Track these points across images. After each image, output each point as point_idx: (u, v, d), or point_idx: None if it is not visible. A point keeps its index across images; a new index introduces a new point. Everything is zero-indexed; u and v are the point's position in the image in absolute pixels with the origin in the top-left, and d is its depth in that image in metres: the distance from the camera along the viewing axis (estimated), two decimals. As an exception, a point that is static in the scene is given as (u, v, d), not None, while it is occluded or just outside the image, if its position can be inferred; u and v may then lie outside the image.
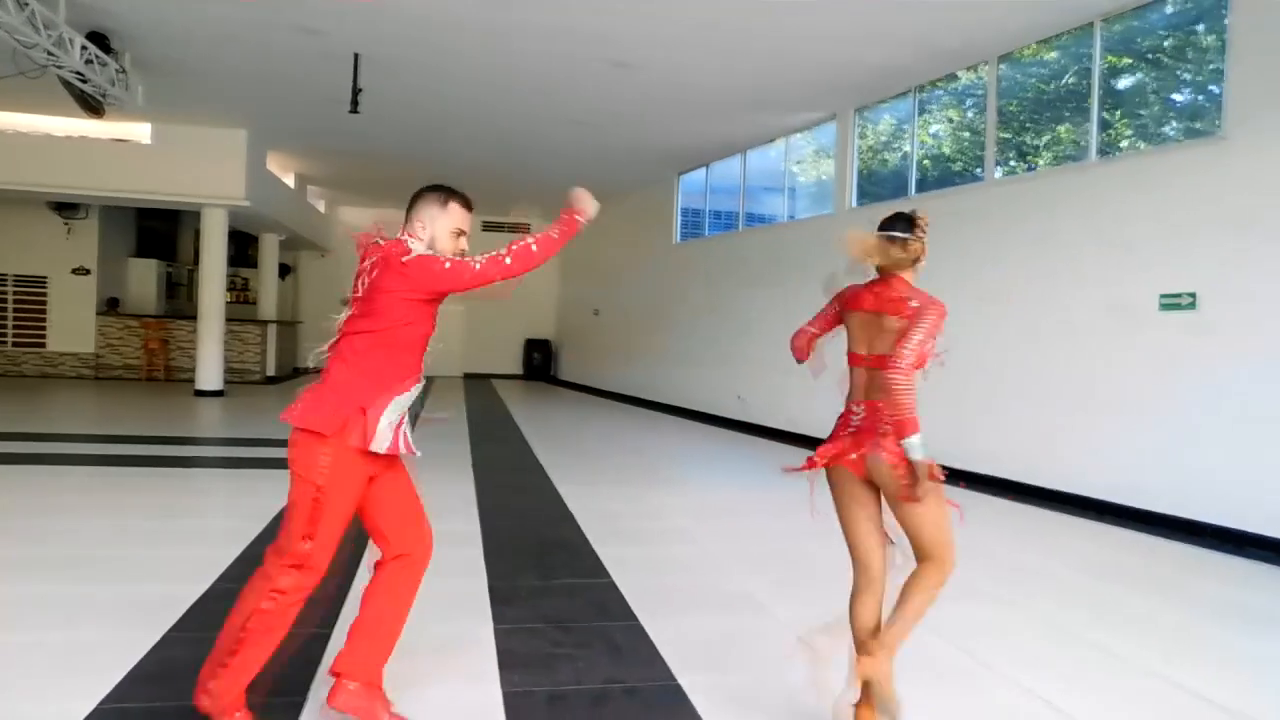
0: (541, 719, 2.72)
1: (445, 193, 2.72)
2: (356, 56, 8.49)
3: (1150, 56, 6.91)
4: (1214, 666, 3.44)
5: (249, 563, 4.26)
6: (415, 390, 2.67)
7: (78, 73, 7.70)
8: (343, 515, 2.58)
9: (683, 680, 3.03)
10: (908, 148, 9.17)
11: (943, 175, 9.03)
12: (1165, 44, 6.80)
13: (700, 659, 3.25)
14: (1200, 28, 6.53)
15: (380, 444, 2.55)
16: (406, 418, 2.69)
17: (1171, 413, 6.10)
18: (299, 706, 2.71)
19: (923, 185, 8.97)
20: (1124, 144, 7.05)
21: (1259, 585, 4.75)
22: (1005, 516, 6.37)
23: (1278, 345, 5.49)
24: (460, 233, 2.70)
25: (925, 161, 9.20)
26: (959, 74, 8.46)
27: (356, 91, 8.72)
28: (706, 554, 4.91)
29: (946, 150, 9.19)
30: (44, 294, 14.87)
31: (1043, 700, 3.00)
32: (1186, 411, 5.99)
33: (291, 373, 17.81)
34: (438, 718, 2.71)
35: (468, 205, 2.75)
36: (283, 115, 11.43)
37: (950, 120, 9.08)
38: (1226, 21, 5.97)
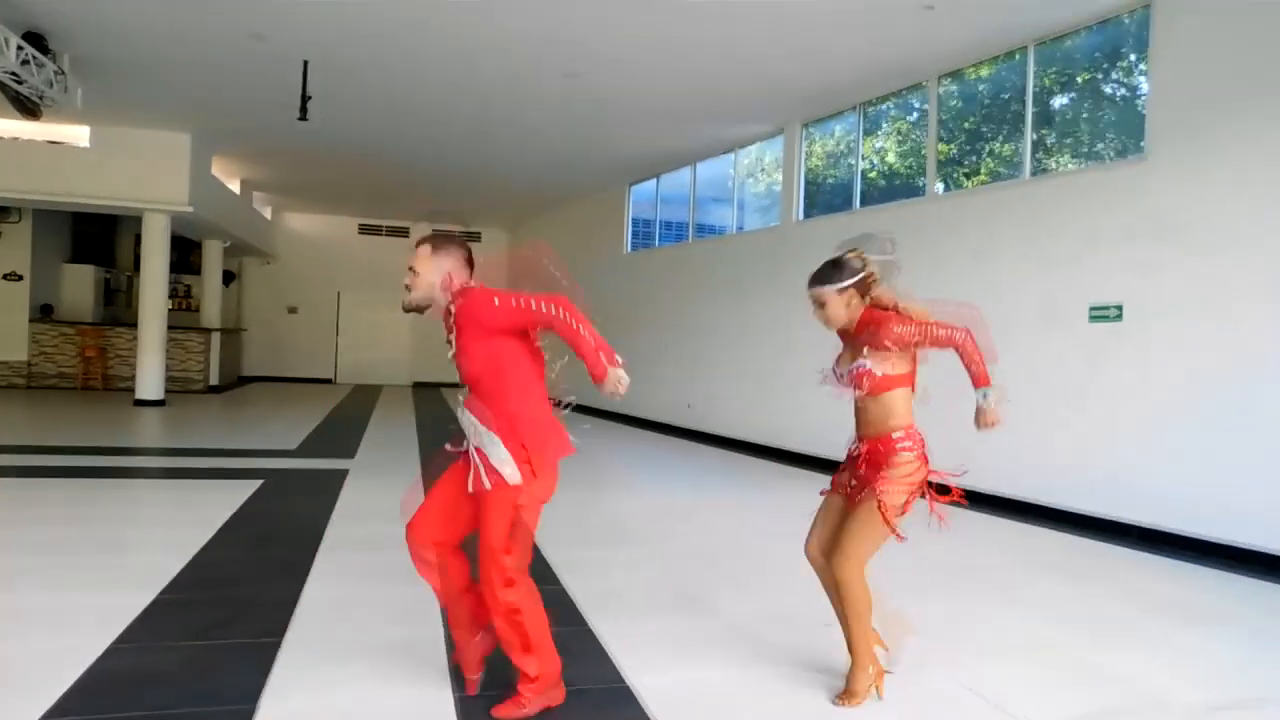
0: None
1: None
2: (305, 64, 8.42)
3: (1080, 79, 7.24)
4: (1135, 651, 3.62)
5: (198, 570, 4.23)
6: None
7: (12, 73, 7.50)
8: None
9: (632, 681, 3.10)
10: (853, 162, 9.41)
11: (887, 190, 9.29)
12: (1094, 67, 7.13)
13: (650, 660, 3.32)
14: (1127, 53, 6.86)
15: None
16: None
17: (1097, 416, 6.38)
18: (250, 715, 2.70)
19: (867, 199, 9.22)
20: (1056, 162, 7.35)
21: (1174, 578, 5.00)
22: (949, 518, 6.56)
23: (1196, 351, 5.79)
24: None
25: (871, 175, 9.46)
26: (903, 91, 8.73)
27: (306, 98, 8.64)
28: (656, 556, 5.00)
29: (891, 165, 9.46)
30: (-27, 300, 14.35)
31: (972, 690, 3.14)
32: (1112, 415, 6.28)
33: (236, 381, 17.46)
34: (390, 719, 2.74)
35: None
36: (228, 119, 11.25)
37: (895, 135, 9.35)
38: (1148, 47, 6.30)
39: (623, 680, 3.12)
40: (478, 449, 2.78)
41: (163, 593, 3.84)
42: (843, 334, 3.14)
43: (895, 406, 3.06)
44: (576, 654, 3.34)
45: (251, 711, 2.71)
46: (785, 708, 2.98)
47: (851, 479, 3.08)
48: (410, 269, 2.81)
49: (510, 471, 2.72)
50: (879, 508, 2.92)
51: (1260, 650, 3.82)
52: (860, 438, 3.08)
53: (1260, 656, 3.74)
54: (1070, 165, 7.19)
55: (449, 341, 2.87)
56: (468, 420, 2.83)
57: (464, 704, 2.85)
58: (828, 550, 3.09)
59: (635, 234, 14.41)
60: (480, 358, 2.77)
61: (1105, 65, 7.08)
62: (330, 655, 3.21)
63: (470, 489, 2.78)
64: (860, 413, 3.09)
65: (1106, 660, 3.52)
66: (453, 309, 2.82)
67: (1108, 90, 7.17)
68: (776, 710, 2.96)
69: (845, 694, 2.97)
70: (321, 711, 2.76)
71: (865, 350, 3.02)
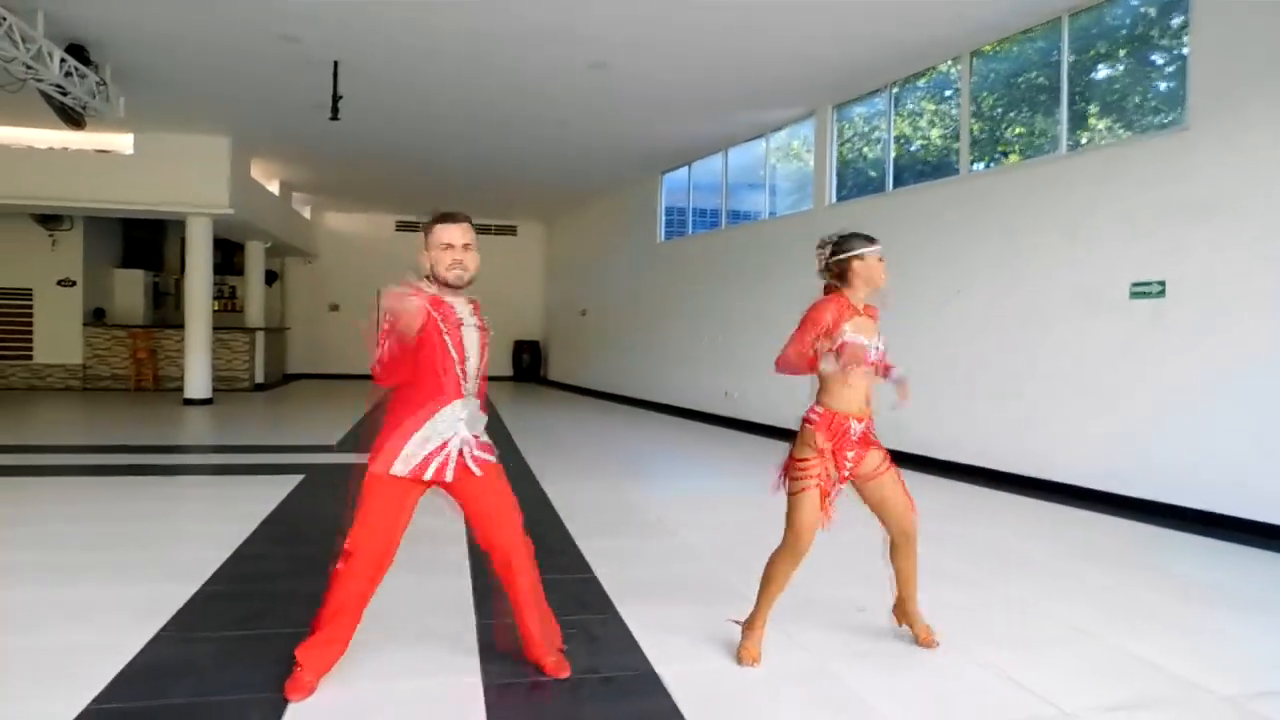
0: (520, 708, 2.80)
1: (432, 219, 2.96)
2: (336, 64, 8.54)
3: (1118, 49, 7.03)
4: (1173, 639, 3.54)
5: (238, 564, 4.35)
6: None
7: (57, 85, 7.73)
8: None
9: (660, 669, 3.11)
10: (885, 143, 9.27)
11: (920, 169, 9.14)
12: (1133, 36, 6.92)
13: (677, 648, 3.33)
14: (1167, 19, 6.65)
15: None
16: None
17: (1142, 396, 6.22)
18: (284, 703, 2.77)
19: (900, 180, 9.08)
20: (1094, 136, 7.16)
21: (1219, 564, 4.87)
22: (976, 502, 6.49)
23: (1241, 330, 5.61)
24: (448, 246, 2.85)
25: (904, 155, 9.31)
26: (936, 67, 8.57)
27: (337, 98, 8.77)
28: (685, 545, 5.00)
29: (924, 144, 9.30)
30: (29, 306, 14.85)
31: (1006, 676, 3.10)
32: (1153, 397, 6.12)
33: (281, 379, 17.83)
34: (419, 707, 2.78)
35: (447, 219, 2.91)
36: (265, 122, 11.46)
37: (928, 114, 9.19)
38: (1188, 15, 6.09)
39: (650, 667, 3.13)
40: (475, 435, 2.91)
41: (205, 585, 3.96)
42: (851, 308, 3.22)
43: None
44: (605, 641, 3.39)
45: (286, 701, 2.77)
46: (814, 696, 2.97)
47: (849, 461, 3.21)
48: (465, 246, 2.83)
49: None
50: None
51: (1307, 635, 3.70)
52: (860, 414, 3.21)
53: (1307, 641, 3.63)
54: (1108, 139, 6.99)
55: (479, 328, 2.91)
56: (475, 409, 2.90)
57: (492, 694, 2.89)
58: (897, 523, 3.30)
59: (669, 223, 14.37)
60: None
61: (1143, 33, 6.86)
62: (362, 646, 3.26)
63: (479, 473, 2.88)
64: (860, 391, 3.21)
65: (1144, 648, 3.44)
66: (476, 298, 2.99)
67: (1147, 60, 6.94)
68: (805, 698, 2.95)
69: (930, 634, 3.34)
70: (353, 701, 2.82)
71: (877, 326, 3.25)
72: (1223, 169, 5.76)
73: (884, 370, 3.32)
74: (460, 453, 2.83)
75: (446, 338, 2.78)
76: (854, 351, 3.08)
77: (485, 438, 2.95)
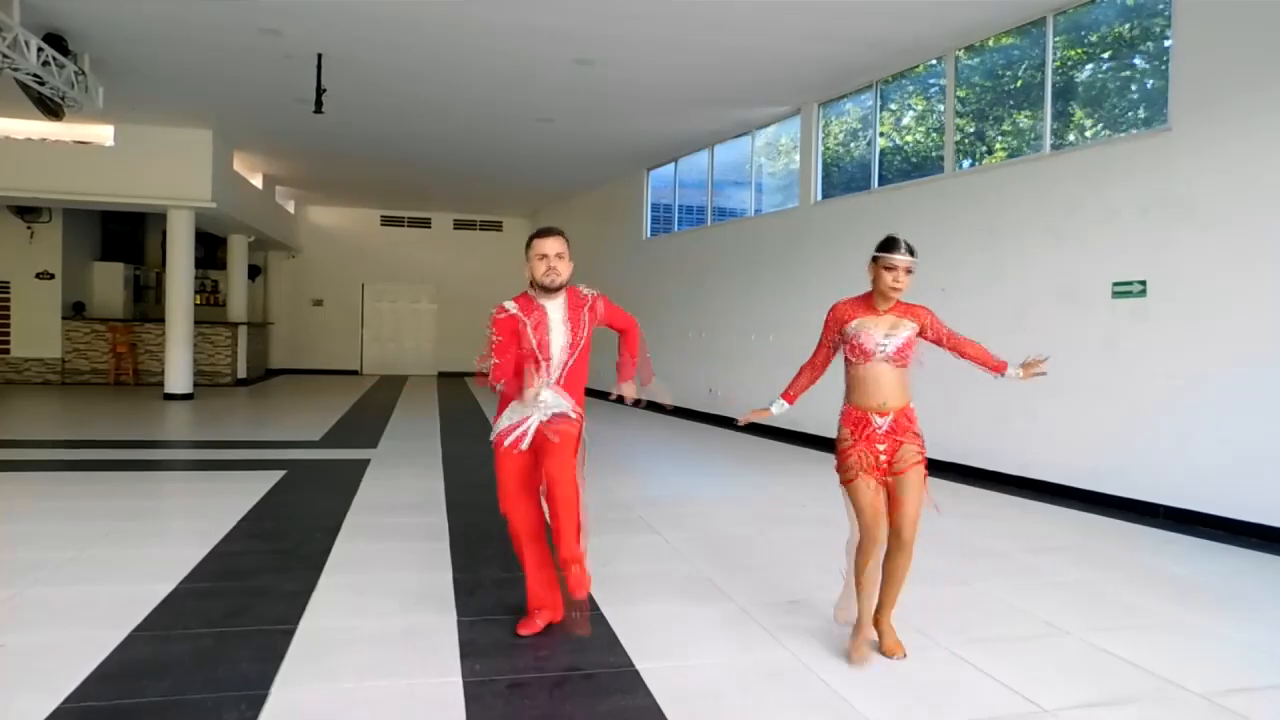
0: (500, 706, 2.79)
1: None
2: (320, 57, 8.47)
3: (1102, 49, 7.07)
4: (1149, 636, 3.57)
5: (217, 560, 4.31)
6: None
7: (35, 75, 7.62)
8: None
9: (640, 666, 3.11)
10: (871, 141, 9.29)
11: (905, 167, 9.17)
12: (1117, 36, 6.96)
13: (658, 645, 3.33)
14: (1150, 19, 6.69)
15: None
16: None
17: (1120, 394, 6.28)
18: (262, 700, 2.75)
19: (885, 178, 9.11)
20: (1078, 136, 7.20)
21: (1195, 561, 4.92)
22: (956, 499, 6.52)
23: (1221, 330, 5.67)
24: (543, 256, 3.37)
25: (889, 153, 9.34)
26: (921, 66, 8.59)
27: (320, 91, 8.70)
28: (667, 542, 5.00)
29: (909, 142, 9.33)
30: (6, 299, 14.67)
31: (984, 673, 3.11)
32: (1135, 392, 6.17)
33: (263, 374, 17.71)
34: (399, 705, 2.76)
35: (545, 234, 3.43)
36: (248, 115, 11.36)
37: (914, 111, 9.21)
38: (1171, 16, 6.13)
39: (632, 664, 3.13)
40: (553, 413, 3.34)
41: (182, 582, 3.92)
42: (868, 306, 3.33)
43: (908, 380, 3.35)
44: (586, 638, 3.37)
45: (264, 698, 2.75)
46: (794, 693, 2.98)
47: (882, 453, 3.26)
48: (559, 255, 3.36)
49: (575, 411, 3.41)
50: (924, 472, 3.31)
51: (1276, 634, 3.74)
52: (880, 410, 3.27)
53: (1276, 640, 3.66)
54: (1091, 139, 7.03)
55: (566, 323, 3.38)
56: (558, 395, 3.35)
57: (472, 692, 2.87)
58: (895, 524, 3.28)
59: (654, 219, 14.36)
60: (586, 346, 3.43)
61: (1128, 34, 6.91)
62: (343, 643, 3.26)
63: (555, 438, 3.24)
64: (882, 384, 3.28)
65: (1119, 645, 3.47)
66: (588, 296, 3.47)
67: (1130, 60, 6.99)
68: (785, 695, 2.96)
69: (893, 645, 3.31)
70: (332, 698, 2.80)
71: (908, 324, 3.31)
72: (1204, 169, 5.81)
73: (901, 360, 3.31)
74: (538, 427, 3.30)
75: (533, 337, 3.33)
76: (857, 346, 3.28)
77: (573, 414, 3.37)
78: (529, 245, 3.39)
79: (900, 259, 3.20)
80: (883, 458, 3.25)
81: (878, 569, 3.25)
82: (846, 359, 3.35)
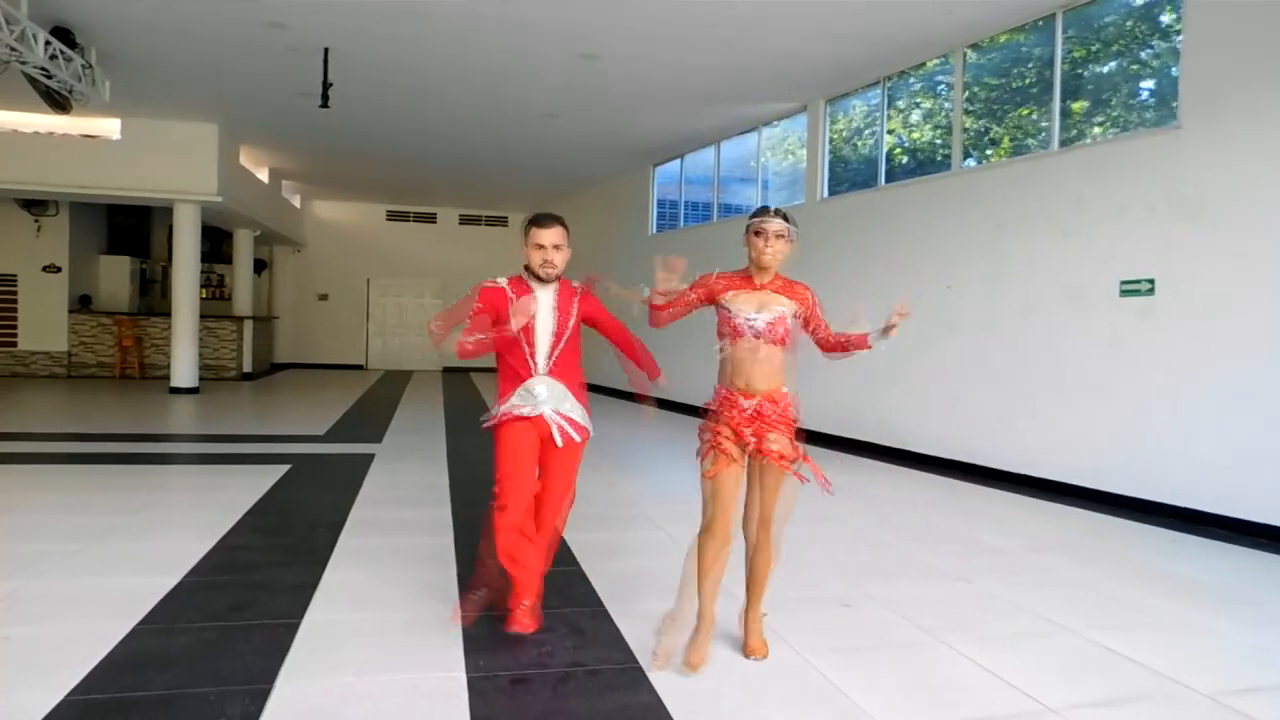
0: (504, 701, 2.79)
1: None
2: (326, 51, 8.47)
3: (1112, 46, 7.03)
4: (1153, 635, 3.56)
5: (222, 554, 4.32)
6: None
7: (42, 68, 7.63)
8: None
9: (645, 663, 3.11)
10: (878, 138, 9.26)
11: (912, 165, 9.14)
12: (1126, 34, 6.92)
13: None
14: (1160, 17, 6.65)
15: None
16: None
17: (1126, 393, 6.25)
18: (265, 694, 2.76)
19: (892, 175, 9.08)
20: (1086, 133, 7.16)
21: (1198, 560, 4.90)
22: (959, 497, 6.51)
23: (1229, 329, 5.64)
24: (540, 246, 3.31)
25: (896, 150, 9.30)
26: (929, 62, 8.56)
27: (327, 86, 8.70)
28: (672, 539, 4.99)
29: (916, 139, 9.29)
30: (14, 292, 14.71)
31: (988, 672, 3.10)
32: (1142, 391, 6.15)
33: (268, 369, 17.74)
34: (402, 700, 2.76)
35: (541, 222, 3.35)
36: (254, 109, 11.36)
37: (922, 108, 9.18)
38: (1181, 13, 6.10)
39: (635, 661, 3.12)
40: (558, 411, 3.32)
41: (187, 576, 3.93)
42: (744, 279, 3.18)
43: (785, 363, 3.16)
44: (591, 635, 3.38)
45: (267, 692, 2.76)
46: (797, 689, 2.97)
47: (747, 437, 3.07)
48: (556, 246, 3.30)
49: (587, 423, 3.42)
50: (790, 467, 3.10)
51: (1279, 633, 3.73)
52: (746, 392, 3.11)
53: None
54: (1101, 136, 7.00)
55: (555, 311, 3.34)
56: (553, 388, 3.31)
57: (475, 687, 2.87)
58: (757, 512, 3.15)
59: (660, 215, 14.34)
60: (574, 336, 3.40)
61: (1137, 31, 6.87)
62: (347, 637, 3.26)
63: (559, 443, 3.30)
64: (750, 363, 3.10)
65: (1124, 643, 3.46)
66: (577, 288, 3.45)
67: (1139, 58, 6.95)
68: (788, 692, 2.95)
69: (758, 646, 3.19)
70: (336, 692, 2.80)
71: (784, 301, 3.13)
72: (1214, 167, 5.78)
73: (781, 343, 3.13)
74: (560, 426, 3.31)
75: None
76: (728, 321, 3.14)
77: (578, 416, 3.38)
78: (526, 231, 3.33)
79: (771, 223, 3.05)
80: (750, 440, 3.05)
81: (721, 568, 3.08)
82: (720, 334, 3.21)
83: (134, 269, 16.27)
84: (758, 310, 3.09)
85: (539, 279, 3.34)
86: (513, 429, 3.28)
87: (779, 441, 3.07)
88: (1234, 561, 4.91)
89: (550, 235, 3.30)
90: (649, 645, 3.26)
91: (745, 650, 3.20)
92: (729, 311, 3.12)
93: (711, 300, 3.20)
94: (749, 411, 3.07)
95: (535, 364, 3.32)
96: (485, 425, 3.36)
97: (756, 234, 3.09)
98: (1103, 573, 4.56)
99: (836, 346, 3.19)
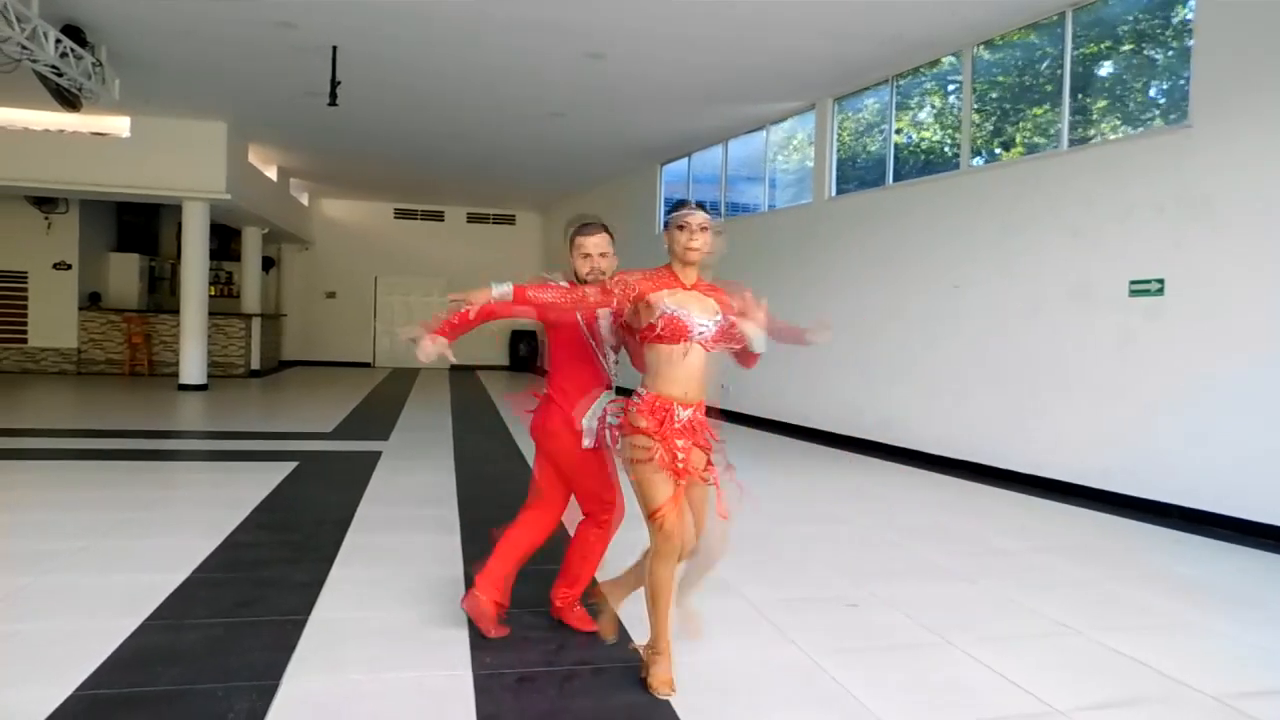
0: (509, 698, 2.79)
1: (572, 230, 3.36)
2: (334, 50, 8.49)
3: (1122, 45, 7.00)
4: (1160, 637, 3.54)
5: (229, 551, 4.34)
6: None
7: (53, 66, 7.67)
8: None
9: (650, 661, 3.11)
10: (886, 136, 9.24)
11: (920, 164, 9.11)
12: (1136, 32, 6.89)
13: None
14: (1171, 15, 6.62)
15: None
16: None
17: (1135, 393, 6.22)
18: (272, 691, 2.77)
19: (900, 174, 9.06)
20: (1096, 132, 7.13)
21: (1206, 562, 4.88)
22: (967, 497, 6.49)
23: (1238, 329, 5.61)
24: (586, 255, 3.26)
25: (905, 149, 9.28)
26: (937, 61, 8.53)
27: (335, 84, 8.72)
28: (680, 539, 5.00)
29: (924, 138, 9.27)
30: (24, 289, 14.80)
31: (995, 673, 3.10)
32: (1150, 392, 6.12)
33: (276, 366, 17.80)
34: (408, 697, 2.77)
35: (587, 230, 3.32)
36: (263, 108, 11.40)
37: (932, 107, 9.15)
38: (1192, 12, 6.06)
39: (642, 660, 3.12)
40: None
41: (195, 572, 3.95)
42: (672, 280, 2.94)
43: (712, 371, 2.98)
44: (596, 633, 3.37)
45: (274, 688, 2.77)
46: (803, 690, 2.97)
47: (679, 451, 2.87)
48: (603, 254, 3.27)
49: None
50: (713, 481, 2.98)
51: (1296, 634, 3.71)
52: (684, 401, 2.90)
53: (1297, 640, 3.63)
54: (1110, 135, 6.97)
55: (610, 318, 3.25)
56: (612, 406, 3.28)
57: (482, 683, 2.88)
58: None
59: (668, 214, 14.31)
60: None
61: (1147, 29, 6.83)
62: (353, 635, 3.27)
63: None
64: (692, 371, 2.90)
65: (1131, 645, 3.44)
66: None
67: (1150, 56, 6.92)
68: (794, 692, 2.95)
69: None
70: (342, 689, 2.81)
71: (714, 305, 2.96)
72: (1224, 167, 5.75)
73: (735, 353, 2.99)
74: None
75: (588, 324, 3.25)
76: (675, 322, 2.83)
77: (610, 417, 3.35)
78: (571, 240, 3.28)
79: (695, 215, 2.89)
80: (680, 456, 2.85)
81: (674, 580, 2.92)
82: (647, 336, 2.90)
83: (143, 266, 16.35)
84: (703, 314, 2.88)
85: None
86: (573, 449, 3.32)
87: (701, 457, 2.93)
88: (1241, 562, 4.89)
89: (595, 242, 3.26)
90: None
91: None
92: (674, 313, 2.84)
93: (640, 299, 2.89)
94: (683, 421, 2.89)
95: (610, 373, 3.33)
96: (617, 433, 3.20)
97: (680, 228, 2.90)
98: (1109, 573, 4.54)
99: (742, 359, 3.05)
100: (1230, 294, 5.66)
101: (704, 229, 2.91)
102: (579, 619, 3.45)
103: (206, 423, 9.78)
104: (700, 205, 2.99)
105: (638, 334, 2.98)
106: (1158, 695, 2.99)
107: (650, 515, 2.88)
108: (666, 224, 2.99)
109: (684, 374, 2.89)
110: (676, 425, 2.87)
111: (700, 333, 2.87)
